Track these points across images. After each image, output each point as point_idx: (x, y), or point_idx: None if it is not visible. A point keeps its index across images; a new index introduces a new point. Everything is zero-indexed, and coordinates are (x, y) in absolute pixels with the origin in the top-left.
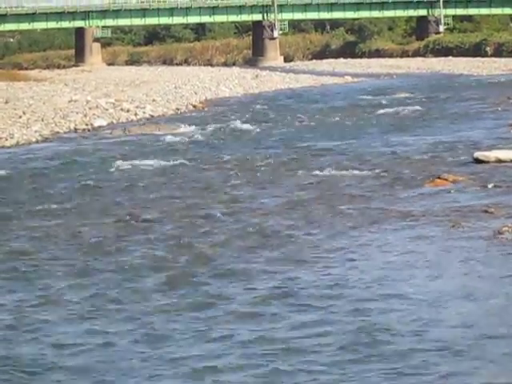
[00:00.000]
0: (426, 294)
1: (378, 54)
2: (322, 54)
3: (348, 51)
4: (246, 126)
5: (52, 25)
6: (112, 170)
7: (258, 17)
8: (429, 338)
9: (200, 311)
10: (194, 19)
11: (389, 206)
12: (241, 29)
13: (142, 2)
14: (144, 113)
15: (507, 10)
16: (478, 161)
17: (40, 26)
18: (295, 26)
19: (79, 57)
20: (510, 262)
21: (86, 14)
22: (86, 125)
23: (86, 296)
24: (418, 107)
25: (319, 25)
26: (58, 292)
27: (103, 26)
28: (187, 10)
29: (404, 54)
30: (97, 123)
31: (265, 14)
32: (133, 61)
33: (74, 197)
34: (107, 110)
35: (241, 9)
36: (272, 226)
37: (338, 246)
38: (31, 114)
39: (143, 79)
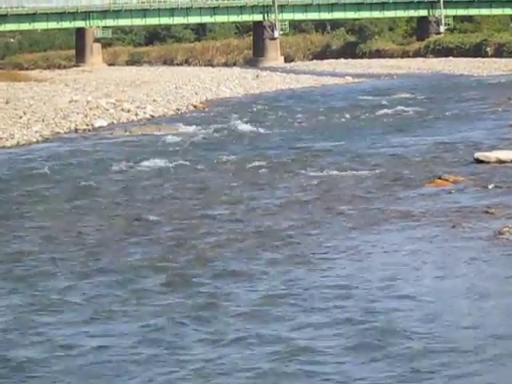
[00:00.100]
0: (428, 294)
1: (378, 54)
2: (323, 54)
3: (348, 51)
4: (247, 127)
5: (52, 25)
6: (112, 170)
7: (258, 17)
8: (436, 339)
9: (203, 312)
10: (194, 19)
11: (389, 207)
12: (241, 29)
13: (142, 3)
14: (144, 113)
15: (508, 11)
16: (478, 161)
17: (40, 26)
18: (296, 27)
19: (80, 57)
20: (511, 263)
21: (87, 15)
22: (87, 125)
23: (87, 297)
24: (418, 108)
25: (320, 25)
26: (59, 294)
27: (104, 27)
28: (188, 11)
29: (404, 55)
30: (97, 123)
31: (265, 15)
32: (133, 61)
33: (74, 197)
34: (108, 110)
35: (241, 9)
36: (273, 226)
37: (338, 247)
38: (32, 114)
39: (144, 79)
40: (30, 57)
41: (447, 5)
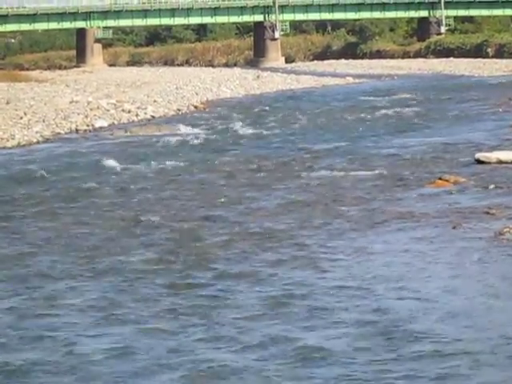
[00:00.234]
0: (428, 294)
1: (379, 54)
2: (324, 54)
3: (349, 52)
4: (247, 127)
5: (53, 25)
6: (113, 171)
7: (259, 17)
8: (442, 339)
9: (206, 314)
10: (195, 20)
11: (390, 207)
12: (242, 30)
13: (143, 3)
14: (145, 114)
15: (508, 12)
16: (479, 162)
17: (41, 26)
18: (296, 27)
19: (80, 57)
20: (511, 263)
21: (88, 15)
22: (87, 126)
23: (90, 299)
24: (419, 108)
25: (320, 26)
26: (60, 295)
27: (104, 27)
28: (188, 11)
29: (405, 55)
30: (98, 124)
31: (266, 15)
32: (134, 61)
33: (75, 198)
34: (108, 110)
35: (242, 10)
36: (273, 227)
37: (339, 248)
38: (32, 114)
39: (144, 80)
40: (30, 57)
41: (448, 5)
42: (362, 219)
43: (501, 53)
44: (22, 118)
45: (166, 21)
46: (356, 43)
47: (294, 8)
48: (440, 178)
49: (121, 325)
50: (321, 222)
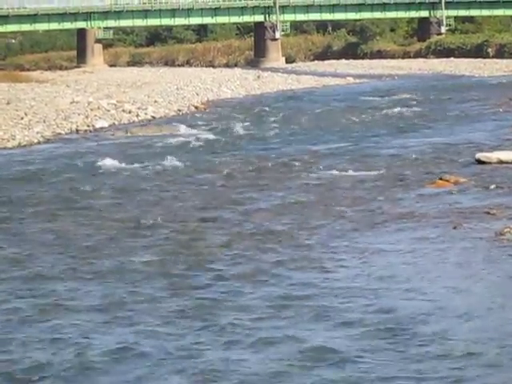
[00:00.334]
0: (429, 295)
1: (379, 55)
2: (324, 55)
3: (350, 52)
4: (248, 128)
5: (54, 26)
6: (113, 171)
7: (259, 18)
8: (449, 339)
9: (210, 315)
10: (195, 20)
11: (390, 207)
12: (242, 30)
13: (143, 3)
14: (146, 114)
15: (509, 12)
16: (479, 162)
17: (42, 27)
18: (297, 27)
19: (81, 58)
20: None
21: (88, 15)
22: (88, 126)
23: (91, 300)
24: (419, 108)
25: (321, 26)
26: (61, 297)
27: (105, 27)
28: (189, 11)
29: (406, 55)
30: (98, 124)
31: (267, 15)
32: (134, 62)
33: (75, 199)
34: (109, 111)
35: (243, 10)
36: (274, 227)
37: (340, 248)
38: (33, 115)
39: (145, 80)
40: (31, 58)
41: (448, 5)
42: (362, 219)
43: (501, 53)
44: (22, 118)
45: (166, 21)
46: (356, 43)
47: (295, 8)
48: (440, 178)
49: (123, 327)
50: (321, 222)
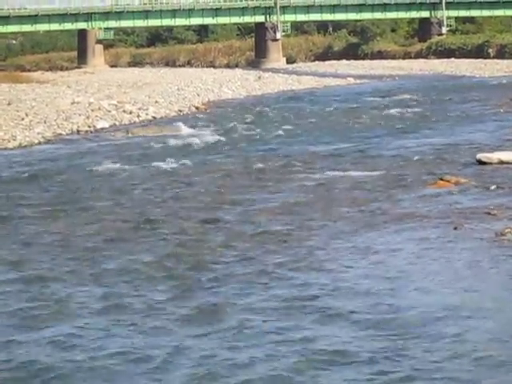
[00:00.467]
0: (433, 294)
1: (380, 55)
2: (325, 55)
3: (350, 53)
4: (249, 128)
5: (54, 26)
6: (114, 172)
7: (260, 18)
8: (455, 339)
9: (215, 318)
10: (196, 21)
11: (391, 208)
12: (243, 30)
13: (144, 4)
14: (146, 114)
15: (509, 12)
16: (480, 162)
17: (42, 27)
18: (298, 28)
19: (82, 58)
20: None
21: (89, 16)
22: (89, 127)
23: (92, 302)
24: (420, 109)
25: (322, 26)
26: (63, 298)
27: (106, 28)
28: (190, 12)
29: (406, 56)
30: (99, 125)
31: (267, 16)
32: (135, 62)
33: (75, 200)
34: (110, 111)
35: (243, 10)
36: (275, 228)
37: (341, 249)
38: (34, 115)
39: (146, 81)
40: (31, 58)
41: (449, 6)
42: (363, 220)
43: (502, 53)
44: (23, 119)
45: (167, 22)
46: (357, 44)
47: (296, 9)
48: (441, 179)
49: (126, 328)
50: (322, 222)
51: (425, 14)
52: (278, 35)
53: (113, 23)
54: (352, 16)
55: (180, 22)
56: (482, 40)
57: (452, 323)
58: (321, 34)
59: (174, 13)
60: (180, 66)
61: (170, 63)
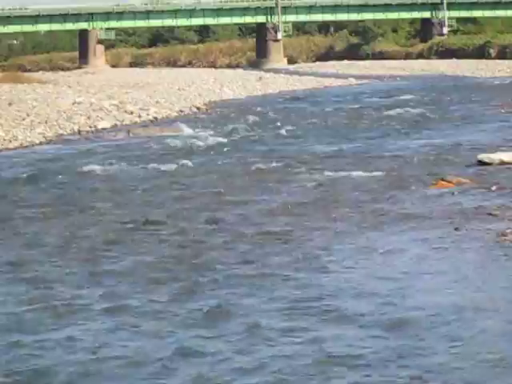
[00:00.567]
0: (435, 295)
1: (381, 55)
2: (326, 55)
3: (352, 53)
4: (249, 129)
5: (56, 27)
6: (114, 172)
7: (261, 19)
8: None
9: (214, 319)
10: (197, 21)
11: (392, 208)
12: (244, 31)
13: (145, 4)
14: (148, 115)
15: (511, 13)
16: (481, 163)
17: (43, 27)
18: (299, 28)
19: (83, 59)
20: None
21: (90, 16)
22: (90, 127)
23: (93, 303)
24: (421, 109)
25: (323, 27)
26: (66, 301)
27: (107, 28)
28: (191, 12)
29: (408, 56)
30: (100, 125)
31: (269, 16)
32: (136, 63)
33: (76, 200)
34: (111, 112)
35: (245, 11)
36: (275, 229)
37: (342, 250)
38: (35, 116)
39: (147, 81)
40: (33, 58)
41: (450, 6)
42: (364, 221)
43: (503, 54)
44: (24, 119)
45: (168, 22)
46: (358, 44)
47: (297, 9)
48: (442, 179)
49: (129, 330)
50: (323, 223)
51: (426, 14)
52: (280, 35)
53: (114, 23)
54: (353, 16)
55: (181, 22)
56: (483, 40)
57: (455, 323)
58: (322, 35)
59: (175, 13)
60: (181, 66)
61: (172, 63)
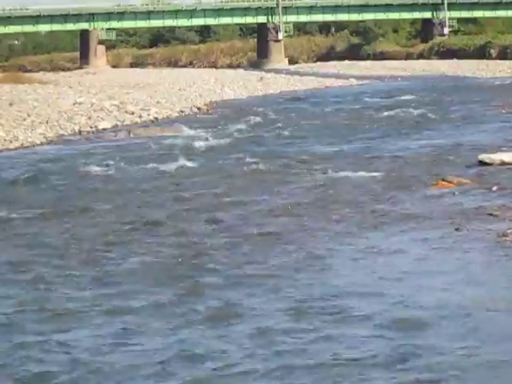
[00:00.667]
0: (435, 295)
1: (382, 56)
2: (327, 56)
3: (353, 53)
4: (250, 129)
5: (56, 27)
6: (115, 173)
7: (262, 19)
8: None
9: (217, 321)
10: (198, 21)
11: (392, 209)
12: (245, 31)
13: (146, 5)
14: (148, 115)
15: (511, 13)
16: (482, 163)
17: (44, 28)
18: (300, 29)
19: (84, 59)
20: None
21: (91, 17)
22: (91, 127)
23: (95, 304)
24: (422, 109)
25: (324, 27)
26: (65, 300)
27: (108, 29)
28: (192, 12)
29: (409, 57)
30: (101, 125)
31: (269, 17)
32: (137, 63)
33: (77, 200)
34: (112, 112)
35: (245, 11)
36: (276, 229)
37: (343, 250)
38: (36, 116)
39: (148, 81)
40: (33, 59)
41: (451, 7)
42: (364, 221)
43: (504, 54)
44: (25, 119)
45: (169, 22)
46: (359, 44)
47: (298, 9)
48: (443, 180)
49: (132, 331)
50: (323, 224)
51: (427, 14)
52: (280, 36)
53: (115, 24)
54: (354, 17)
55: (182, 22)
56: (484, 41)
57: (455, 323)
58: (323, 35)
59: (176, 13)
60: (182, 66)
61: (172, 64)
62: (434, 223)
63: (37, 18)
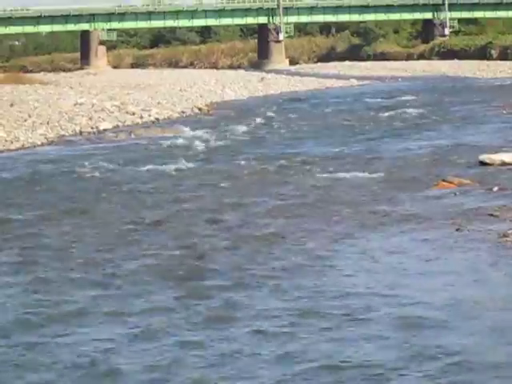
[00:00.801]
0: (435, 295)
1: (383, 56)
2: (328, 56)
3: (353, 54)
4: (251, 130)
5: (57, 28)
6: (116, 173)
7: (263, 20)
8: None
9: (218, 324)
10: (199, 22)
11: (393, 209)
12: (246, 32)
13: (147, 5)
14: (149, 116)
15: None
16: (483, 164)
17: (45, 28)
18: (301, 29)
19: (84, 60)
20: None
21: (92, 17)
22: (92, 128)
23: (96, 306)
24: (422, 110)
25: (324, 28)
26: (65, 301)
27: (108, 29)
28: (193, 13)
29: (409, 57)
30: (102, 126)
31: (270, 17)
32: (138, 64)
33: (77, 201)
34: (112, 112)
35: (246, 12)
36: (277, 230)
37: (344, 250)
38: (37, 117)
39: (148, 82)
40: (34, 59)
41: (452, 7)
42: (365, 222)
43: (504, 55)
44: (26, 120)
45: (170, 23)
46: (360, 45)
47: (298, 10)
48: (444, 180)
49: (133, 332)
50: (323, 224)
51: (428, 15)
52: (281, 36)
53: (116, 24)
54: (355, 17)
55: (183, 23)
56: (485, 41)
57: (455, 323)
58: (324, 36)
59: (176, 14)
60: (183, 67)
61: (173, 64)
62: (435, 224)
63: (38, 19)
